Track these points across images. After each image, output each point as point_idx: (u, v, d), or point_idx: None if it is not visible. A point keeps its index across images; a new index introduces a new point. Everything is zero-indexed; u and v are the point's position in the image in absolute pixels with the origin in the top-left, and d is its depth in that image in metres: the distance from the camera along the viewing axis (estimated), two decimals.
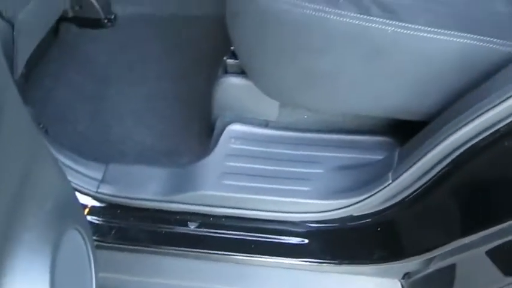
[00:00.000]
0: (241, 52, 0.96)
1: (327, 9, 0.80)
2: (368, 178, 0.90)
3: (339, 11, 0.80)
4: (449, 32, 0.79)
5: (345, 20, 0.79)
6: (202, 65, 1.36)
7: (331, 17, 0.80)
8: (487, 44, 0.79)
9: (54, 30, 1.41)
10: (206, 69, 1.30)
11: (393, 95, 0.87)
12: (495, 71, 0.78)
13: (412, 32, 0.79)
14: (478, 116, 0.75)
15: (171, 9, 1.51)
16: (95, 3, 1.45)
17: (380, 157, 0.96)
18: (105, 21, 1.47)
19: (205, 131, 1.16)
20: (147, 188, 0.99)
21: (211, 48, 1.37)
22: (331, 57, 0.84)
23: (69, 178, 0.72)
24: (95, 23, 1.47)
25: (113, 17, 1.49)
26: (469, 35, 0.79)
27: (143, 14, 1.52)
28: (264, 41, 0.89)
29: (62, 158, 0.99)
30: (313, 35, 0.82)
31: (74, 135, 1.22)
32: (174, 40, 1.45)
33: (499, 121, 0.73)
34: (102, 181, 1.01)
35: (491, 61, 0.79)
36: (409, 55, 0.81)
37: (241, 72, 1.01)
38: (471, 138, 0.78)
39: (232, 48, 1.01)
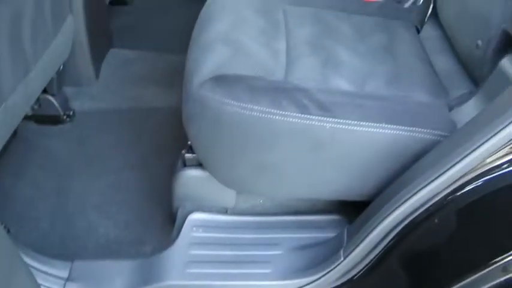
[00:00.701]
0: (198, 147, 1.05)
1: (272, 110, 0.91)
2: (322, 257, 0.98)
3: (283, 112, 0.90)
4: (379, 124, 0.91)
5: (288, 119, 0.90)
6: (162, 153, 1.43)
7: (276, 117, 0.90)
8: (412, 133, 0.91)
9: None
10: (166, 157, 1.37)
11: (337, 180, 0.97)
12: (421, 155, 0.90)
13: (347, 127, 0.90)
14: (411, 196, 0.86)
15: (129, 103, 1.60)
16: (54, 101, 1.52)
17: (333, 234, 1.05)
18: (64, 117, 1.54)
19: (168, 220, 1.22)
20: (113, 283, 1.02)
21: (170, 138, 1.45)
22: (279, 151, 0.94)
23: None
24: (54, 120, 1.53)
25: (71, 112, 1.55)
26: (396, 126, 0.91)
27: (101, 108, 1.60)
28: (218, 139, 0.98)
29: (25, 258, 1.01)
30: (261, 133, 0.92)
31: (37, 232, 1.24)
32: (133, 131, 1.52)
33: (428, 200, 0.84)
34: (68, 279, 1.03)
35: (417, 147, 0.91)
36: (347, 146, 0.92)
37: (199, 165, 1.10)
38: (409, 215, 0.88)
39: (189, 142, 1.10)
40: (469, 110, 0.97)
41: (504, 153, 0.78)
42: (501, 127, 0.77)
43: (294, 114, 0.90)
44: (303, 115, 0.90)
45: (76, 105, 1.58)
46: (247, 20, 1.16)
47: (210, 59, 1.02)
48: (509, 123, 0.77)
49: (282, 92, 0.94)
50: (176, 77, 1.41)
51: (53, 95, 1.50)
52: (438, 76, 1.11)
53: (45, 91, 1.45)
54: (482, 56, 0.98)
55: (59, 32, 1.30)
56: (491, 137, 0.78)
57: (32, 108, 1.46)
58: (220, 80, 0.96)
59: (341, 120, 0.90)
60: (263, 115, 0.90)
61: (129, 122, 1.56)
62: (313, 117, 0.90)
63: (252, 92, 0.93)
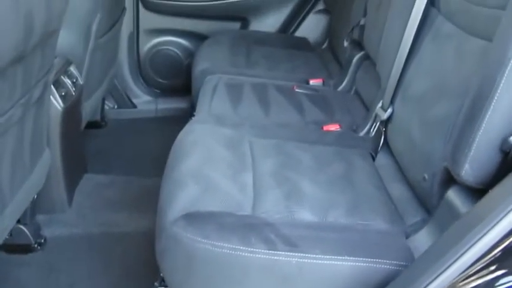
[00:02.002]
0: (171, 281, 1.08)
1: (241, 247, 0.96)
2: None
3: (251, 249, 0.96)
4: (341, 257, 0.97)
5: (256, 256, 0.96)
6: (133, 280, 1.44)
7: (245, 254, 0.96)
8: (373, 264, 0.97)
9: None
10: (137, 285, 1.38)
11: None
12: (383, 285, 0.96)
13: (312, 261, 0.96)
14: None
15: (101, 228, 1.63)
16: (25, 230, 1.53)
17: None
18: (35, 245, 1.54)
19: None
20: None
21: (141, 263, 1.47)
22: (248, 285, 0.98)
23: None
24: (25, 249, 1.53)
25: (42, 240, 1.57)
26: (357, 258, 0.97)
27: (73, 234, 1.62)
28: (191, 274, 1.02)
29: None
30: (232, 270, 0.97)
31: None
32: (104, 257, 1.54)
33: None
34: None
35: (378, 278, 0.97)
36: (314, 280, 0.97)
37: None
38: None
39: (161, 274, 1.13)
40: (423, 239, 1.05)
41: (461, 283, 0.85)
42: (451, 261, 0.84)
43: (262, 250, 0.96)
44: (270, 251, 0.96)
45: (48, 232, 1.60)
46: (217, 154, 1.25)
47: (181, 195, 1.09)
48: (460, 256, 0.84)
49: (250, 228, 1.01)
50: (148, 201, 1.47)
51: (25, 224, 1.53)
52: (394, 203, 1.21)
53: (17, 221, 1.47)
54: (430, 188, 1.09)
55: (36, 167, 1.37)
56: (445, 270, 0.84)
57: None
58: (192, 218, 1.02)
59: (306, 255, 0.96)
60: (233, 252, 0.96)
61: (101, 247, 1.58)
62: (280, 252, 0.96)
63: (222, 229, 1.00)
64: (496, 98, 0.86)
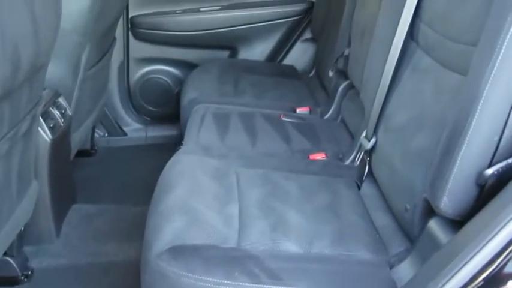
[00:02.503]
0: None
1: (225, 281, 0.97)
2: None
3: (235, 283, 0.97)
4: None
5: None
6: None
7: None
8: None
9: None
10: None
11: None
12: None
13: None
14: None
15: (88, 259, 1.63)
16: (12, 262, 1.53)
17: None
18: (22, 277, 1.54)
19: None
20: None
21: None
22: None
23: None
24: (11, 281, 1.52)
25: (29, 272, 1.56)
26: None
27: (60, 265, 1.62)
28: None
29: None
30: None
31: None
32: None
33: None
34: None
35: None
36: None
37: None
38: None
39: None
40: (407, 269, 1.07)
41: None
42: None
43: (246, 284, 0.97)
44: (254, 285, 0.97)
45: (35, 263, 1.59)
46: (203, 186, 1.27)
47: (167, 228, 1.10)
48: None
49: (234, 262, 1.02)
50: (138, 230, 1.47)
51: (11, 256, 1.52)
52: (378, 233, 1.22)
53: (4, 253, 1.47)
54: (411, 218, 1.10)
55: (23, 199, 1.37)
56: None
57: None
58: (177, 251, 1.03)
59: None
60: (218, 286, 0.97)
61: (88, 278, 1.57)
62: (264, 286, 0.97)
63: (207, 263, 1.00)
64: (470, 132, 0.88)
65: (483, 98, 0.87)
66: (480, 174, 0.89)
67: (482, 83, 0.87)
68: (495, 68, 0.85)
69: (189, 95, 1.96)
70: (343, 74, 1.86)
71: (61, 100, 1.68)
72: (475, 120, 0.88)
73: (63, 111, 1.66)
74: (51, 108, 1.60)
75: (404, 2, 1.26)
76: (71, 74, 1.70)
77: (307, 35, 2.49)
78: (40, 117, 1.48)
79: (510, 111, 0.85)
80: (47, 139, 1.54)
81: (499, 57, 0.84)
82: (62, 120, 1.64)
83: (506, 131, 0.85)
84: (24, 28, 1.08)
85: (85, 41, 1.71)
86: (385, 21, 1.38)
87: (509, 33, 0.84)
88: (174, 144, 2.00)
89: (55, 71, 1.64)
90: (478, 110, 0.87)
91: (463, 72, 0.99)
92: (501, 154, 0.87)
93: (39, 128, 1.49)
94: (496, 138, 0.86)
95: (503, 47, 0.84)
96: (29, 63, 1.13)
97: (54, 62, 1.63)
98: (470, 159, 0.90)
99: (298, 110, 1.89)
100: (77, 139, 1.90)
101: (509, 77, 0.85)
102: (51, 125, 1.57)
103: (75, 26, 1.64)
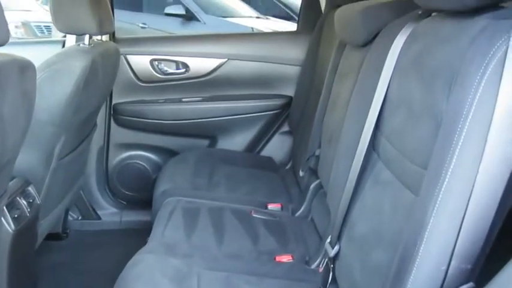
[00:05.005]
0: None
1: None
2: None
3: None
4: None
5: None
6: None
7: None
8: None
9: None
10: None
11: None
12: None
13: None
14: None
15: None
16: None
17: None
18: None
19: None
20: None
21: None
22: None
23: None
24: None
25: None
26: None
27: None
28: None
29: None
30: None
31: None
32: None
33: None
34: None
35: None
36: None
37: None
38: None
39: None
40: None
41: None
42: None
43: None
44: None
45: None
46: None
47: None
48: None
49: None
50: None
51: None
52: None
53: None
54: None
55: None
56: None
57: None
58: None
59: None
60: None
61: None
62: None
63: None
64: (418, 258, 0.88)
65: (430, 224, 0.87)
66: None
67: (429, 209, 0.88)
68: (440, 196, 0.86)
69: (162, 186, 1.97)
70: (314, 173, 1.89)
71: (30, 189, 1.67)
72: (422, 246, 0.88)
73: (31, 201, 1.64)
74: (18, 198, 1.59)
75: (367, 112, 1.30)
76: (43, 163, 1.71)
77: (286, 127, 2.55)
78: (4, 208, 1.47)
79: (456, 241, 0.86)
80: (10, 230, 1.51)
81: (444, 186, 0.86)
82: (29, 209, 1.62)
83: (453, 261, 0.85)
84: None
85: (60, 132, 1.74)
86: (350, 128, 1.43)
87: (453, 161, 0.86)
88: (148, 230, 1.97)
89: (27, 160, 1.65)
90: (425, 237, 0.88)
91: (416, 192, 1.01)
92: (449, 284, 0.86)
93: (2, 219, 1.47)
94: (444, 268, 0.86)
95: (447, 176, 0.86)
96: None
97: (27, 151, 1.64)
98: (420, 284, 0.89)
99: (270, 206, 1.89)
100: (45, 225, 1.87)
101: (455, 207, 0.86)
102: (16, 216, 1.54)
103: (52, 119, 1.67)
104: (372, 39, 1.41)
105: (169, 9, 6.79)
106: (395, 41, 1.25)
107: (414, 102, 1.09)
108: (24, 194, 1.64)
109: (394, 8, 1.40)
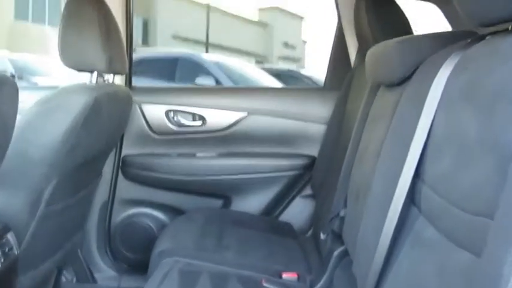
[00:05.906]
0: None
1: None
2: None
3: None
4: None
5: None
6: None
7: None
8: None
9: None
10: None
11: None
12: None
13: None
14: None
15: None
16: None
17: None
18: None
19: None
20: None
21: None
22: None
23: None
24: None
25: None
26: None
27: None
28: None
29: None
30: None
31: None
32: None
33: None
34: None
35: None
36: None
37: None
38: None
39: None
40: None
41: None
42: None
43: None
44: None
45: None
46: None
47: None
48: None
49: None
50: None
51: None
52: None
53: None
54: None
55: None
56: None
57: None
58: None
59: None
60: None
61: None
62: None
63: None
64: None
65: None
66: None
67: (503, 273, 0.62)
68: None
69: (161, 245, 1.72)
70: (338, 238, 1.61)
71: (9, 236, 1.45)
72: None
73: (6, 250, 1.42)
74: None
75: (404, 158, 1.07)
76: (28, 207, 1.50)
77: (308, 191, 2.30)
78: None
79: None
80: None
81: None
82: (2, 260, 1.39)
83: None
84: None
85: (52, 174, 1.54)
86: (382, 180, 1.18)
87: None
88: None
89: (9, 202, 1.46)
90: None
91: (476, 252, 0.75)
92: None
93: None
94: None
95: None
96: None
97: (10, 193, 1.46)
98: None
99: (285, 276, 1.61)
100: (29, 281, 1.64)
101: None
102: None
103: (43, 157, 1.50)
104: (411, 75, 1.20)
105: (199, 80, 6.96)
106: (439, 73, 1.04)
107: (468, 137, 0.85)
108: (1, 242, 1.42)
109: (435, 40, 1.20)
